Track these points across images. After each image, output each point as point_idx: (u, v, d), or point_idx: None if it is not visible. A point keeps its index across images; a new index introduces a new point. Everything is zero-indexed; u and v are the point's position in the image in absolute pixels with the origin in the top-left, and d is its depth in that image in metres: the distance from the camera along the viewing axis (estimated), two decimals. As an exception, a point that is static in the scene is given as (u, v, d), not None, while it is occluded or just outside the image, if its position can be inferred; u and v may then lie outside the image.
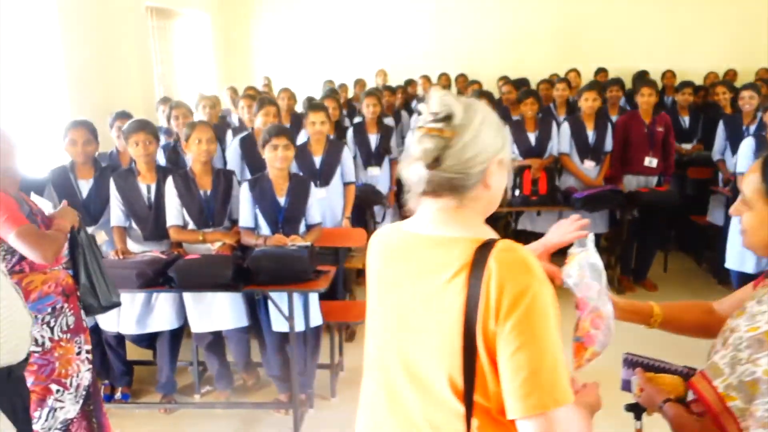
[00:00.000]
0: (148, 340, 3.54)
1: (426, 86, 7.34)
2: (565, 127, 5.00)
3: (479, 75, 7.70)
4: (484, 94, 5.25)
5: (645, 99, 4.85)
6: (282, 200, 3.34)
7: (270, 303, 3.26)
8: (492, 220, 4.30)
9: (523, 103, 4.99)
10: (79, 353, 2.47)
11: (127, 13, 5.92)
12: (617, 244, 5.19)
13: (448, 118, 1.19)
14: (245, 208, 3.34)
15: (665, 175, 4.97)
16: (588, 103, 4.87)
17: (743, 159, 4.10)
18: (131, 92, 5.86)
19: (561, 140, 4.99)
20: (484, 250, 1.15)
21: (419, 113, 1.25)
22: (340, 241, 3.78)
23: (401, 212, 5.86)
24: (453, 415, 1.17)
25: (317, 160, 4.20)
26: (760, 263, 4.17)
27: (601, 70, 7.70)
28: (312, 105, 4.20)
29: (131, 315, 3.35)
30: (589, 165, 4.95)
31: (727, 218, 4.46)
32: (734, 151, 4.86)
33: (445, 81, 7.73)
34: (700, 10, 7.96)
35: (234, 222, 3.48)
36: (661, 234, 5.18)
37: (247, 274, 3.03)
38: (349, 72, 8.22)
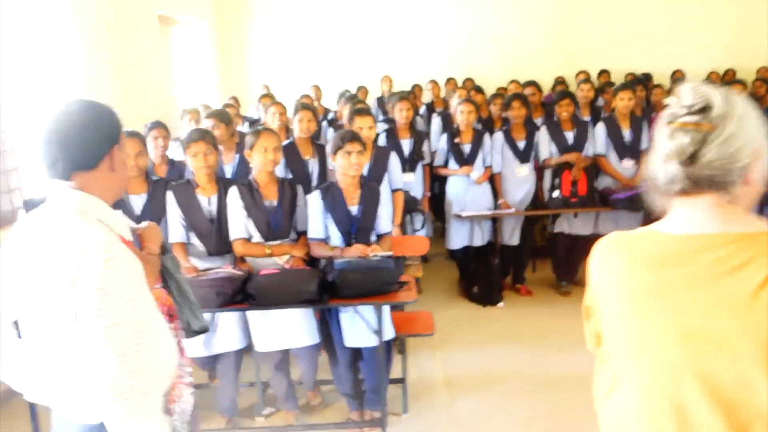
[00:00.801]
0: (212, 362, 3.34)
1: (436, 91, 7.26)
2: (601, 127, 4.96)
3: (480, 79, 7.69)
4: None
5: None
6: (354, 209, 3.19)
7: (342, 317, 3.11)
8: (529, 222, 4.17)
9: (559, 105, 4.94)
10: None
11: (142, 22, 5.70)
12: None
13: (705, 110, 1.11)
14: (315, 219, 3.17)
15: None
16: (623, 102, 4.84)
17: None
18: (150, 101, 5.63)
19: (597, 141, 4.95)
20: None
21: (668, 106, 1.16)
22: (404, 250, 3.64)
23: (434, 217, 5.77)
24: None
25: (365, 167, 4.05)
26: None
27: (603, 72, 7.75)
28: (359, 110, 4.06)
29: (197, 337, 3.13)
30: (627, 164, 4.92)
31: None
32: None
33: (452, 86, 7.68)
34: (699, 10, 8.07)
35: (300, 234, 3.31)
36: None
37: (331, 287, 2.87)
38: (350, 78, 8.10)
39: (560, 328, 4.51)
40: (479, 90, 6.40)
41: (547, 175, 5.01)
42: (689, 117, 1.12)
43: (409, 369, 3.68)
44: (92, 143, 1.49)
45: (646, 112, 5.67)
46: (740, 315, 1.07)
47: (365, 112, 4.03)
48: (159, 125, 3.92)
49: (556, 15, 8.25)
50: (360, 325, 3.11)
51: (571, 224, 5.05)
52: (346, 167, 3.10)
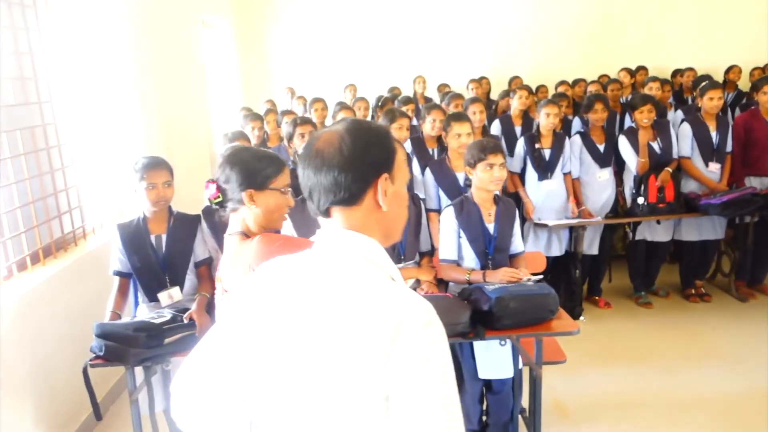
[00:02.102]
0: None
1: (479, 91, 6.94)
2: (686, 128, 4.71)
3: (508, 76, 7.44)
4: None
5: (766, 97, 4.62)
6: (491, 227, 2.86)
7: (477, 346, 2.79)
8: (609, 230, 3.78)
9: (640, 110, 4.62)
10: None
11: (185, 28, 5.32)
12: (735, 249, 4.94)
13: None
14: (448, 238, 2.84)
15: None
16: (713, 102, 4.59)
17: None
18: (191, 110, 5.24)
19: (681, 143, 4.70)
20: None
21: None
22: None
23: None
24: None
25: (460, 176, 3.73)
26: None
27: (640, 68, 7.50)
28: (456, 115, 3.73)
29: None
30: (714, 168, 4.67)
31: None
32: None
33: (486, 85, 7.39)
34: (731, 5, 7.86)
35: (423, 254, 2.97)
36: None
37: (485, 317, 2.53)
38: (380, 79, 7.77)
39: (660, 343, 4.27)
40: (530, 91, 6.09)
41: (628, 179, 4.74)
42: None
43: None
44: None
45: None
46: None
47: (463, 117, 3.70)
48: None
49: (592, 12, 7.99)
50: (496, 355, 2.80)
51: (653, 231, 4.79)
52: (488, 181, 2.77)
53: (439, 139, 4.25)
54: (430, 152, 4.33)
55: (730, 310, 4.74)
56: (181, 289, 2.83)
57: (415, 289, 2.81)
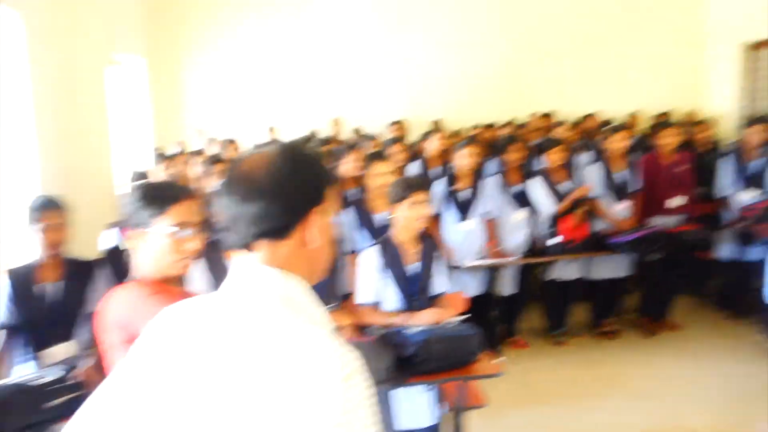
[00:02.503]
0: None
1: (400, 133, 6.96)
2: (594, 170, 4.90)
3: (425, 119, 7.57)
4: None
5: (667, 141, 4.91)
6: (415, 267, 2.80)
7: (395, 395, 2.68)
8: (525, 271, 3.85)
9: (550, 152, 4.79)
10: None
11: (90, 66, 5.05)
12: (641, 287, 5.14)
13: None
14: (369, 280, 2.75)
15: (689, 214, 5.01)
16: (618, 144, 4.82)
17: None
18: (91, 150, 4.93)
19: (589, 184, 4.88)
20: None
21: None
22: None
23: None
24: None
25: (379, 217, 3.67)
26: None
27: (546, 115, 7.83)
28: (376, 155, 3.71)
29: None
30: (621, 206, 4.87)
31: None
32: (746, 185, 5.07)
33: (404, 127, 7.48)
34: (651, 54, 8.41)
35: (343, 298, 2.86)
36: (683, 274, 5.22)
37: (407, 362, 2.44)
38: (298, 120, 7.70)
39: (576, 381, 4.32)
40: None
41: (541, 220, 4.85)
42: None
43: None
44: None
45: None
46: None
47: (381, 157, 3.67)
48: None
49: (505, 60, 8.29)
50: (416, 402, 2.70)
51: (564, 270, 4.90)
52: (413, 219, 2.71)
53: (357, 180, 4.20)
54: (349, 193, 4.26)
55: (638, 345, 4.89)
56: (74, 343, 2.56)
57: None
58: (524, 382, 4.30)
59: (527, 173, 4.90)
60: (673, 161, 4.98)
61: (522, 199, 4.80)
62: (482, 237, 4.64)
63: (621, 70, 8.21)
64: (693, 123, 6.42)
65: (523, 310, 5.10)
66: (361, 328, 2.84)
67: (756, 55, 7.91)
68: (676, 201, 4.93)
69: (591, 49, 8.22)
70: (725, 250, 5.26)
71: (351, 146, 4.35)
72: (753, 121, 5.30)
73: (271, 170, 1.04)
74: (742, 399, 3.98)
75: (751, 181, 5.11)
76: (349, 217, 3.76)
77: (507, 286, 4.81)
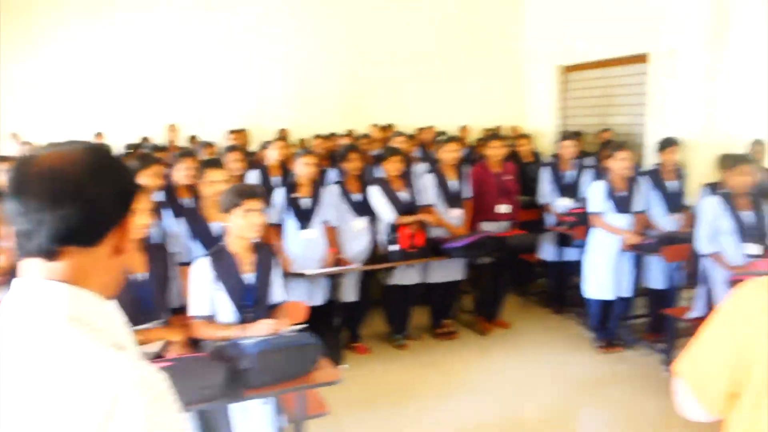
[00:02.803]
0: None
1: (241, 140, 6.77)
2: (429, 179, 5.10)
3: (266, 128, 7.48)
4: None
5: (494, 152, 5.26)
6: (249, 277, 2.70)
7: (232, 410, 2.58)
8: (367, 277, 4.03)
9: (389, 161, 4.92)
10: None
11: None
12: (475, 289, 5.44)
13: None
14: (202, 292, 2.61)
15: (515, 220, 5.40)
16: (450, 155, 5.07)
17: (595, 198, 4.74)
18: None
19: (426, 192, 5.08)
20: None
21: None
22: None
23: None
24: None
25: (215, 226, 3.53)
26: (619, 290, 4.81)
27: (389, 125, 8.10)
28: (210, 162, 3.54)
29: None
30: (455, 213, 5.12)
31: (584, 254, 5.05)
32: (562, 194, 5.58)
33: (245, 136, 7.29)
34: (471, 73, 8.97)
35: (174, 312, 2.68)
36: (511, 275, 5.61)
37: (242, 375, 2.34)
38: (130, 128, 7.21)
39: (417, 382, 4.45)
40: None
41: (382, 228, 4.95)
42: None
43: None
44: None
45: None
46: None
47: (218, 164, 3.52)
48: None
49: (347, 73, 8.42)
50: (255, 417, 2.62)
51: (404, 276, 5.04)
52: (246, 227, 2.62)
53: (190, 189, 4.00)
54: (183, 202, 4.05)
55: (473, 343, 5.16)
56: None
57: (163, 353, 2.50)
58: (367, 387, 4.35)
59: (367, 182, 4.98)
60: (500, 171, 5.34)
61: (362, 208, 4.87)
62: (324, 245, 4.64)
63: (453, 87, 8.75)
64: (516, 136, 6.96)
65: (365, 316, 5.17)
66: (194, 343, 2.69)
67: (568, 77, 8.80)
68: (504, 208, 5.29)
69: (427, 68, 8.68)
70: (547, 252, 5.75)
71: (185, 153, 4.14)
72: (565, 136, 5.86)
73: (83, 170, 0.92)
74: (569, 387, 4.34)
75: (567, 189, 5.64)
76: (182, 226, 3.57)
77: (350, 293, 4.85)
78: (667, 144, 5.11)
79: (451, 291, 5.30)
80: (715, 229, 4.08)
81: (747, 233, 4.00)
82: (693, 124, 6.30)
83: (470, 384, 4.42)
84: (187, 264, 3.37)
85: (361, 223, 4.86)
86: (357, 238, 4.85)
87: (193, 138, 7.14)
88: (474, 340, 5.24)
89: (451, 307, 5.44)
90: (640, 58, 7.32)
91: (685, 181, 5.23)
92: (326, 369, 2.56)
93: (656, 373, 4.43)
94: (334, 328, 4.72)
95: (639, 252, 4.70)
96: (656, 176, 5.15)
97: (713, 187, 4.62)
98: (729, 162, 4.18)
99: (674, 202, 5.10)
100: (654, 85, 7.03)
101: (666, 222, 5.03)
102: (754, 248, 3.97)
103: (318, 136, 6.74)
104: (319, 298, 4.63)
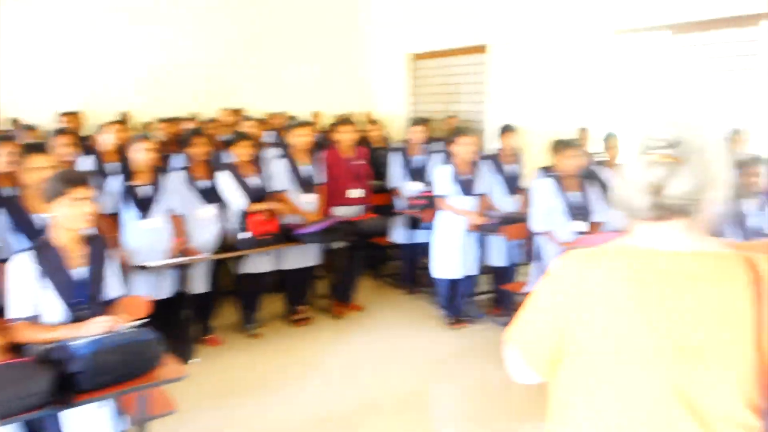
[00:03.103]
0: None
1: (71, 125, 6.18)
2: (281, 164, 5.01)
3: (108, 112, 6.94)
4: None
5: (345, 136, 5.27)
6: (81, 272, 2.46)
7: (65, 416, 2.37)
8: (217, 267, 4.00)
9: (237, 146, 4.76)
10: None
11: None
12: (330, 274, 5.45)
13: (677, 144, 1.19)
14: (23, 290, 2.34)
15: (368, 204, 5.47)
16: (302, 139, 5.00)
17: (441, 182, 4.94)
18: None
19: (278, 178, 4.98)
20: (751, 261, 1.18)
21: (647, 137, 1.21)
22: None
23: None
24: (746, 430, 1.16)
25: (40, 217, 3.19)
26: (465, 269, 5.06)
27: (239, 109, 7.83)
28: (32, 146, 3.18)
29: None
30: (308, 199, 5.08)
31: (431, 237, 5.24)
32: (412, 178, 5.75)
33: (79, 119, 6.69)
34: (325, 60, 8.92)
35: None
36: (364, 258, 5.69)
37: (71, 380, 2.14)
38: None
39: (274, 370, 4.38)
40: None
41: (232, 214, 4.79)
42: (664, 150, 1.18)
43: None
44: None
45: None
46: (723, 328, 1.15)
47: (40, 148, 3.18)
48: None
49: (195, 54, 7.96)
50: (92, 422, 2.42)
51: (256, 263, 4.93)
52: (74, 219, 2.38)
53: (11, 176, 3.58)
54: (2, 192, 3.61)
55: (328, 328, 5.18)
56: None
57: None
58: (221, 380, 4.22)
59: (215, 168, 4.78)
60: (352, 156, 5.38)
61: (210, 194, 4.67)
62: (169, 234, 4.39)
63: (305, 73, 8.66)
64: (368, 122, 7.05)
65: (216, 307, 4.99)
66: (16, 348, 2.42)
67: (417, 64, 9.07)
68: (356, 192, 5.34)
69: (279, 53, 8.51)
70: (399, 234, 5.90)
71: (3, 138, 3.69)
72: (414, 122, 6.03)
73: None
74: (422, 364, 4.49)
75: (416, 174, 5.82)
76: (1, 218, 3.19)
77: (199, 284, 4.64)
78: (504, 130, 5.44)
79: (306, 277, 5.26)
80: (547, 209, 4.41)
81: (575, 212, 4.37)
82: (527, 111, 6.76)
83: (326, 369, 4.43)
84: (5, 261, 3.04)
85: (209, 210, 4.66)
86: (205, 226, 4.65)
87: (15, 121, 6.41)
88: (329, 325, 5.26)
89: (305, 293, 5.41)
90: (480, 49, 7.72)
91: (522, 165, 5.61)
92: (171, 365, 2.42)
93: (500, 344, 4.72)
94: (184, 321, 4.50)
95: (482, 232, 4.97)
96: (496, 160, 5.47)
97: (545, 170, 4.98)
98: (558, 146, 4.54)
99: (512, 184, 5.45)
100: (492, 74, 7.45)
101: (505, 203, 5.37)
102: (581, 225, 4.36)
103: (162, 120, 6.34)
104: (165, 290, 4.38)
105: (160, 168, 4.45)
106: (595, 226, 4.37)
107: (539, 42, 6.75)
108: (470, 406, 4.01)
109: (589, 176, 4.67)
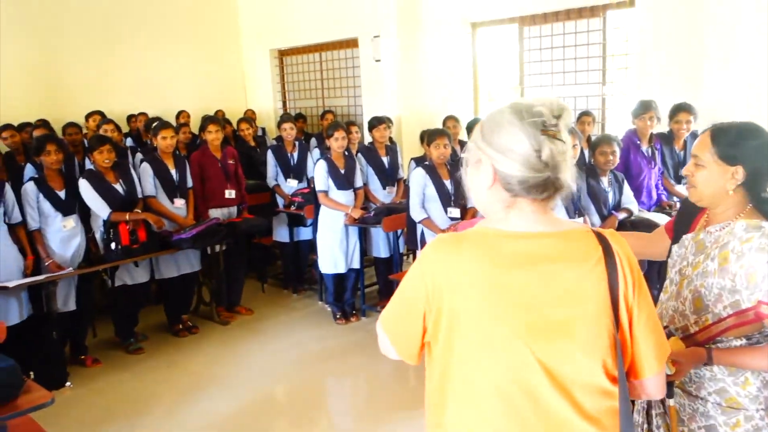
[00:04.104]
0: None
1: None
2: (147, 168, 4.77)
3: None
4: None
5: (213, 135, 5.11)
6: None
7: None
8: (86, 282, 3.77)
9: (99, 151, 4.45)
10: None
11: None
12: (212, 278, 5.26)
13: (563, 123, 1.22)
14: None
15: (243, 204, 5.33)
16: (166, 141, 4.78)
17: (319, 177, 4.93)
18: None
19: (144, 183, 4.73)
20: (601, 238, 1.26)
21: (540, 116, 1.20)
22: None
23: None
24: (604, 396, 1.23)
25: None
26: (349, 262, 5.07)
27: (96, 112, 7.29)
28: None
29: None
30: (179, 203, 4.87)
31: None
32: (287, 176, 5.69)
33: None
34: (192, 59, 8.55)
35: None
36: (247, 260, 5.55)
37: None
38: None
39: (158, 387, 4.17)
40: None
41: (97, 225, 4.49)
42: (556, 128, 1.20)
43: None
44: None
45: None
46: (574, 301, 1.21)
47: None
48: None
49: (40, 59, 7.31)
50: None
51: (132, 275, 4.66)
52: None
53: None
54: None
55: (216, 335, 5.01)
56: None
57: None
58: (101, 403, 3.96)
59: (71, 176, 4.45)
60: (223, 155, 5.21)
61: (69, 204, 4.30)
62: (17, 251, 4.03)
63: (169, 72, 8.26)
64: (240, 120, 6.87)
65: (88, 324, 4.65)
66: None
67: (285, 60, 8.98)
68: (231, 193, 5.19)
69: (140, 53, 8.03)
70: (281, 233, 5.82)
71: None
72: (285, 119, 5.95)
73: None
74: (314, 362, 4.45)
75: (293, 171, 5.77)
76: None
77: (67, 302, 4.30)
78: (376, 123, 5.52)
79: (186, 285, 5.05)
80: (423, 198, 4.52)
81: (449, 199, 4.51)
82: (398, 103, 6.90)
83: (217, 377, 4.28)
84: None
85: (71, 222, 4.31)
86: (66, 239, 4.30)
87: None
88: (217, 332, 5.08)
89: (188, 301, 5.19)
90: (352, 43, 7.77)
91: (397, 156, 5.71)
92: (35, 392, 2.22)
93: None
94: (52, 344, 4.16)
95: (362, 225, 5.01)
96: (371, 153, 5.54)
97: (418, 160, 5.12)
98: (427, 136, 4.66)
99: (389, 175, 5.54)
100: (364, 68, 7.53)
101: (383, 195, 5.45)
102: (455, 212, 4.51)
103: (7, 127, 5.75)
104: (19, 314, 3.99)
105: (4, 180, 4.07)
106: (470, 212, 4.53)
107: (407, 34, 6.90)
108: (365, 399, 4.05)
109: (457, 164, 4.84)
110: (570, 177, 1.24)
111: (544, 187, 1.22)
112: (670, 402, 1.71)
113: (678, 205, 4.32)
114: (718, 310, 1.61)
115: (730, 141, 1.63)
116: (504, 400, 1.22)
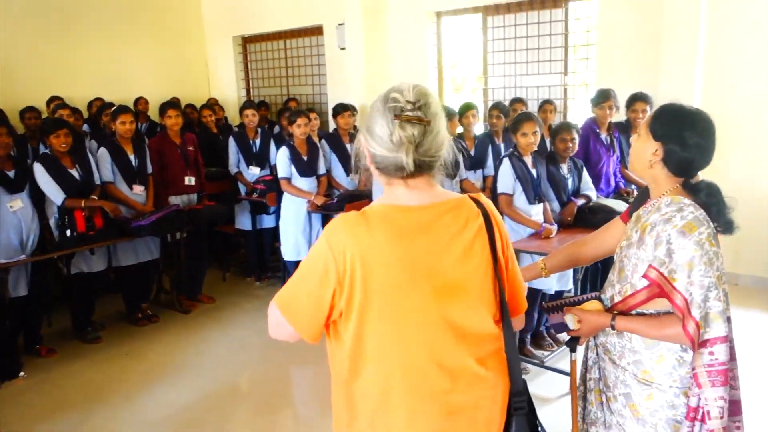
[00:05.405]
0: None
1: None
2: (104, 154, 4.66)
3: None
4: None
5: (173, 121, 5.03)
6: None
7: None
8: (40, 270, 3.69)
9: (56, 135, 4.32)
10: None
11: None
12: (172, 266, 5.18)
13: (424, 107, 1.32)
14: None
15: (203, 191, 5.26)
16: (125, 126, 4.68)
17: (281, 164, 4.89)
18: None
19: (102, 169, 4.63)
20: (477, 202, 1.42)
21: (395, 101, 1.31)
22: None
23: None
24: (493, 340, 1.42)
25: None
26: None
27: (55, 98, 7.10)
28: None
29: None
30: (138, 190, 4.78)
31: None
32: (249, 163, 5.63)
33: None
34: (152, 46, 8.37)
35: None
36: (208, 248, 5.48)
37: None
38: None
39: (117, 375, 4.09)
40: None
41: (51, 211, 4.36)
42: (415, 112, 1.30)
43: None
44: None
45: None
46: (466, 262, 1.35)
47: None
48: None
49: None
50: None
51: (89, 263, 4.56)
52: None
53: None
54: None
55: (177, 324, 4.94)
56: None
57: None
58: (57, 393, 3.87)
59: (22, 157, 4.32)
60: (183, 142, 5.13)
61: (18, 185, 4.13)
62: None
63: (129, 58, 8.06)
64: (202, 107, 6.77)
65: (43, 313, 4.54)
66: None
67: (249, 48, 8.86)
68: (191, 179, 5.11)
69: (98, 39, 7.81)
70: (244, 221, 5.75)
71: None
72: (247, 105, 5.88)
73: None
74: (276, 350, 4.37)
75: (256, 158, 5.71)
76: None
77: (19, 290, 4.17)
78: (340, 109, 5.50)
79: (145, 273, 4.96)
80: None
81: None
82: (362, 91, 6.88)
83: (177, 366, 4.22)
84: None
85: (18, 203, 4.12)
86: (19, 223, 4.15)
87: None
88: (178, 321, 5.01)
89: (147, 289, 5.11)
90: (316, 30, 7.72)
91: (361, 143, 5.69)
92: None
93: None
94: (5, 332, 4.05)
95: (325, 212, 4.99)
96: (335, 140, 5.52)
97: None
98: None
99: (352, 163, 5.52)
100: (328, 55, 7.49)
101: (346, 182, 5.44)
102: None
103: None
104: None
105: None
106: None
107: (371, 22, 6.87)
108: (328, 387, 3.98)
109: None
110: (411, 160, 1.30)
111: (400, 167, 1.31)
112: (572, 356, 1.93)
113: (635, 192, 4.43)
114: (634, 280, 1.70)
115: (664, 119, 1.70)
116: (415, 368, 1.33)
